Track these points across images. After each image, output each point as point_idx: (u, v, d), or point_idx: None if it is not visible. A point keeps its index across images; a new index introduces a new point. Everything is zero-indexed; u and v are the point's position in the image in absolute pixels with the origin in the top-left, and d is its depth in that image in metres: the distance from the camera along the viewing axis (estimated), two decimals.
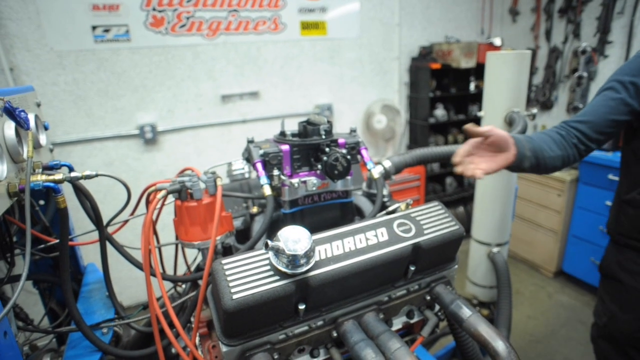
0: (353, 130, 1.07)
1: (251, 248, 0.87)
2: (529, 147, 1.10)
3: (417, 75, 3.81)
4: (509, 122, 1.93)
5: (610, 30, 3.27)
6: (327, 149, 0.92)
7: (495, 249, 2.10)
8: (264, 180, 0.90)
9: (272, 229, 0.95)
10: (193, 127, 3.06)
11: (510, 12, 4.13)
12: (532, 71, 3.91)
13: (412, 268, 0.79)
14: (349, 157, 0.91)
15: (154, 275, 0.82)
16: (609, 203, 2.80)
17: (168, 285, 1.19)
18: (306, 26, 3.28)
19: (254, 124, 3.26)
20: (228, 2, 2.93)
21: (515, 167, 1.10)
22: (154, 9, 2.71)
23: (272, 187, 0.92)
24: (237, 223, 1.05)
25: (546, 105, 3.88)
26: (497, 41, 3.71)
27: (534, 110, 1.99)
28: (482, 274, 2.17)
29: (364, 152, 1.03)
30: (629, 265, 1.31)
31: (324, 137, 0.94)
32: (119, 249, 0.95)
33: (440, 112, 3.86)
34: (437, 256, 0.83)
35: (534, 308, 3.07)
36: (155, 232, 1.05)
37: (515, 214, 2.23)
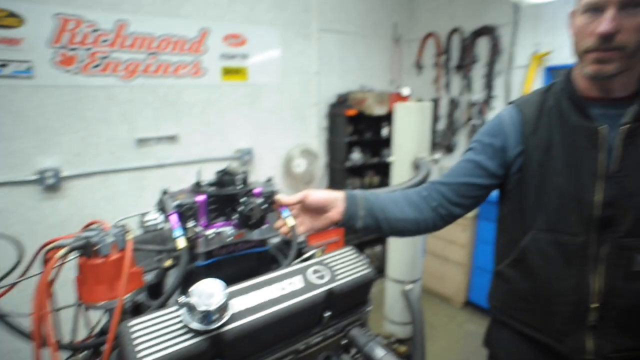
0: (269, 179, 1.10)
1: (163, 305, 0.83)
2: (367, 207, 1.03)
3: (335, 121, 4.04)
4: (416, 167, 2.13)
5: (493, 87, 3.85)
6: (242, 199, 0.94)
7: (408, 287, 2.22)
8: (177, 233, 0.88)
9: (187, 282, 0.91)
10: (104, 172, 2.85)
11: (415, 65, 4.63)
12: (436, 118, 4.38)
13: (328, 314, 0.82)
14: (264, 206, 0.93)
15: (46, 345, 0.73)
16: None
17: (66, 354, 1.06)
18: (227, 72, 3.34)
19: (172, 168, 3.14)
20: (147, 44, 2.88)
21: (345, 226, 1.05)
22: (63, 47, 2.56)
23: (187, 239, 0.90)
24: (150, 277, 1.00)
25: (449, 149, 4.35)
26: (405, 91, 4.10)
27: (437, 156, 2.24)
28: (398, 312, 2.28)
29: None
30: (505, 345, 1.18)
31: (239, 187, 0.96)
32: (3, 318, 0.83)
33: (356, 156, 4.11)
34: (351, 300, 0.87)
35: (447, 339, 3.25)
36: (51, 295, 0.95)
37: (426, 251, 2.41)
